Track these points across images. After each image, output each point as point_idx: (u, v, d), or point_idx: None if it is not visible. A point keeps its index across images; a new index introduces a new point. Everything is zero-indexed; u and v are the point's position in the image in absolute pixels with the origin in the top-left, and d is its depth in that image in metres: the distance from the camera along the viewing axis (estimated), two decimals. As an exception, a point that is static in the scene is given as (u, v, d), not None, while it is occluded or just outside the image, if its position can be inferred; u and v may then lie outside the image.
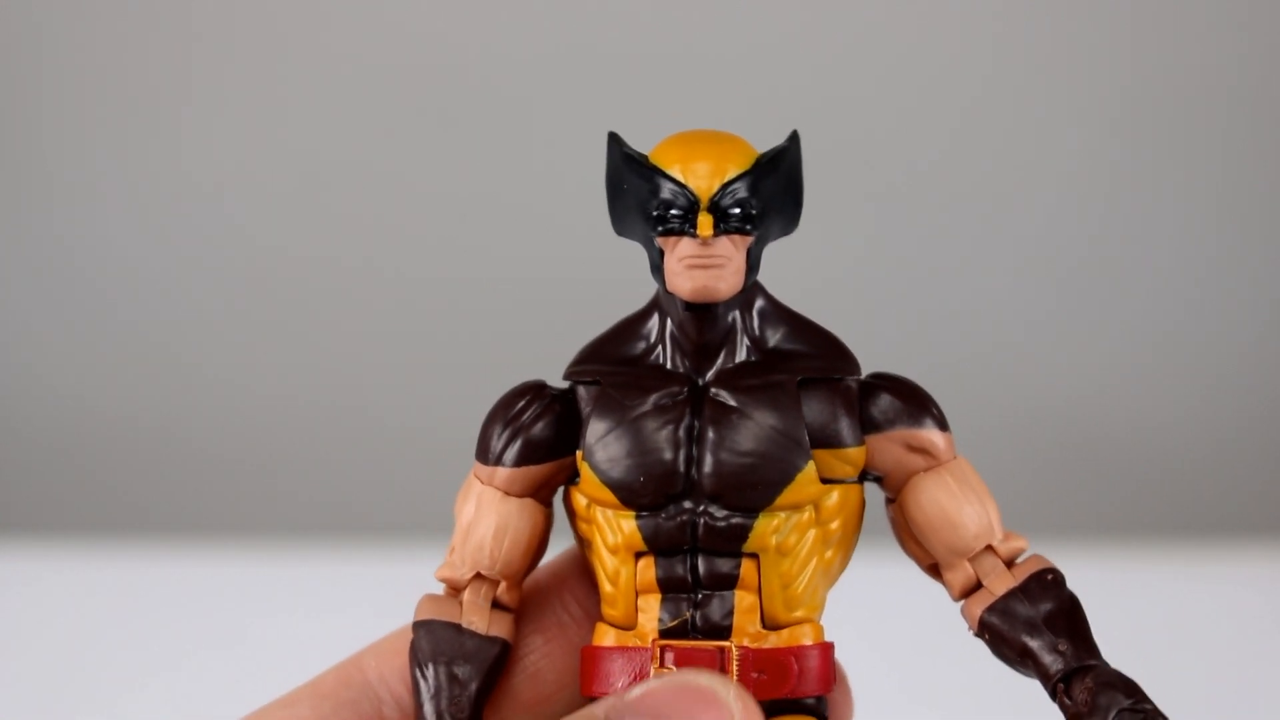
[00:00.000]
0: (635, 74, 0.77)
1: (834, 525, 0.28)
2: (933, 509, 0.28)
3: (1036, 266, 0.79)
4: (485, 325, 0.81)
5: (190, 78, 0.79)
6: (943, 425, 0.29)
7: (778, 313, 0.29)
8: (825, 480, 0.28)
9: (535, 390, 0.30)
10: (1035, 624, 0.27)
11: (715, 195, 0.28)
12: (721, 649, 0.27)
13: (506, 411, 0.29)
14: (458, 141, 0.79)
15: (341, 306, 0.82)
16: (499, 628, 0.29)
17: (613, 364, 0.29)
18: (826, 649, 0.28)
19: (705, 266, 0.28)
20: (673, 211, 0.28)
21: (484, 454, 0.29)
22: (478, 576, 0.29)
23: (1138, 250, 0.79)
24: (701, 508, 0.28)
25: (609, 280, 0.80)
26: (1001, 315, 0.78)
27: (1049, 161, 0.78)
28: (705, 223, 0.28)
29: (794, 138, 0.29)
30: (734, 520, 0.28)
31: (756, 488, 0.27)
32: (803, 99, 0.76)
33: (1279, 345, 0.80)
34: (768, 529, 0.28)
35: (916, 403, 0.29)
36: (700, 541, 0.28)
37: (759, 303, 0.29)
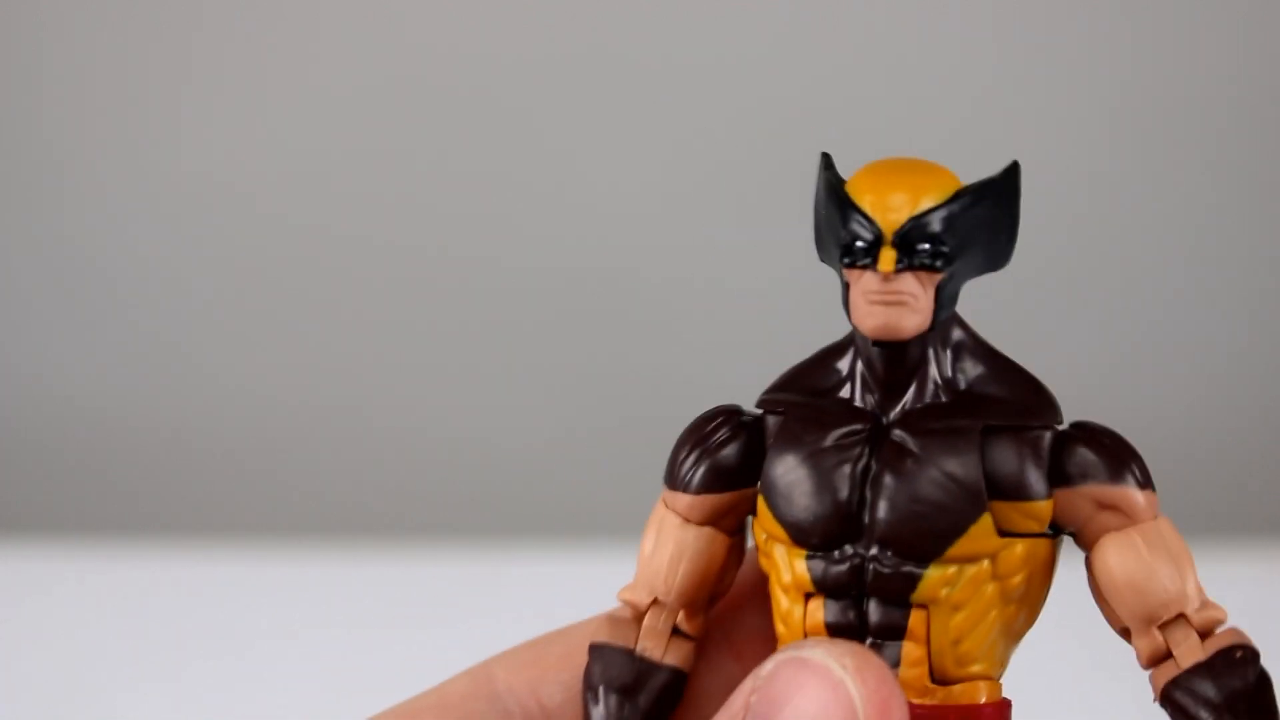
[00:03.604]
0: (637, 76, 0.78)
1: (1016, 580, 0.27)
2: (1120, 573, 0.26)
3: (1035, 267, 0.79)
4: (487, 327, 0.81)
5: (194, 70, 0.79)
6: (1143, 483, 0.27)
7: (976, 351, 0.28)
8: (1006, 533, 0.26)
9: (727, 415, 0.28)
10: (1216, 704, 0.26)
11: (902, 229, 0.26)
12: None
13: (696, 435, 0.28)
14: (461, 143, 0.79)
15: (344, 307, 0.82)
16: (675, 656, 0.28)
17: (803, 395, 0.28)
18: (1000, 709, 0.27)
19: (888, 303, 0.26)
20: (858, 244, 0.26)
21: (671, 478, 0.28)
22: (656, 602, 0.28)
23: (1136, 251, 0.79)
24: (872, 553, 0.26)
25: (611, 281, 0.80)
26: (999, 316, 0.78)
27: (1046, 162, 0.78)
28: (888, 258, 0.26)
29: (1012, 169, 0.27)
30: (904, 568, 0.26)
31: (927, 537, 0.26)
32: (799, 102, 0.76)
33: (1278, 345, 0.80)
34: (939, 580, 0.26)
35: (1114, 457, 0.27)
36: (869, 588, 0.26)
37: (956, 338, 0.27)
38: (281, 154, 0.80)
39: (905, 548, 0.26)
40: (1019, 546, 0.27)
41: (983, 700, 0.27)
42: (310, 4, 0.78)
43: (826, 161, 0.27)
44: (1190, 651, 0.26)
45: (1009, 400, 0.27)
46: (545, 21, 0.77)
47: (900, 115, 0.76)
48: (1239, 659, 0.26)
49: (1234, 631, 0.27)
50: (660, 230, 0.79)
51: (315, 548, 0.69)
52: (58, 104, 0.80)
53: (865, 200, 0.26)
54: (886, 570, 0.26)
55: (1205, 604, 0.27)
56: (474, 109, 0.78)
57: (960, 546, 0.26)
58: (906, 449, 0.26)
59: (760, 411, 0.28)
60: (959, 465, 0.26)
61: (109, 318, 0.83)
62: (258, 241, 0.81)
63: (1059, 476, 0.27)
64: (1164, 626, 0.26)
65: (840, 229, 0.26)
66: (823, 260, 0.28)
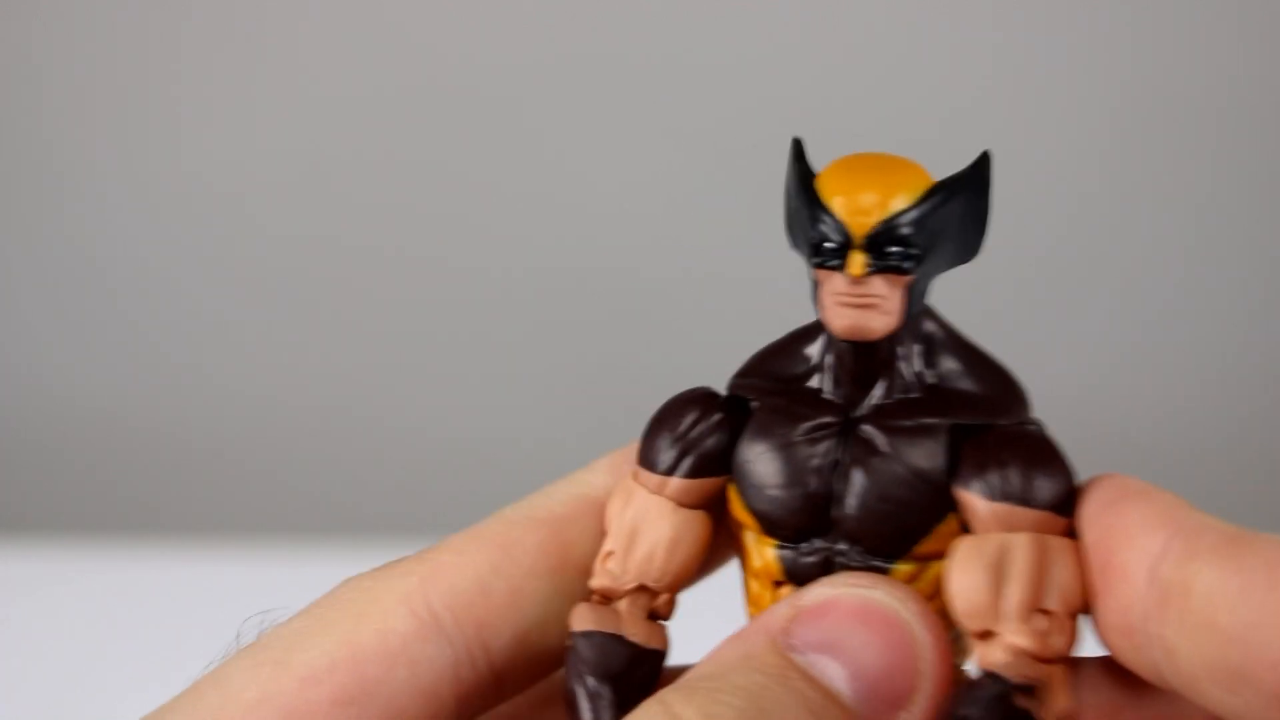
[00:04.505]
0: (635, 76, 0.78)
1: None
2: (945, 573, 0.26)
3: (1033, 264, 0.79)
4: (487, 328, 0.81)
5: (194, 70, 0.79)
6: (997, 496, 0.25)
7: (948, 344, 0.27)
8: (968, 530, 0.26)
9: (707, 399, 0.28)
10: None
11: (873, 232, 0.26)
12: None
13: (679, 420, 0.28)
14: (459, 145, 0.79)
15: (343, 307, 0.82)
16: (657, 640, 0.27)
17: (772, 381, 0.28)
18: None
19: (857, 306, 0.26)
20: (827, 245, 0.26)
21: (653, 463, 0.28)
22: (638, 588, 0.28)
23: (1135, 249, 0.79)
24: (840, 546, 0.26)
25: (612, 281, 0.80)
26: (995, 315, 0.78)
27: (1045, 161, 0.78)
28: (856, 262, 0.26)
29: (982, 161, 0.26)
30: (871, 564, 0.26)
31: (894, 535, 0.26)
32: (799, 102, 0.76)
33: (1275, 346, 0.80)
34: (905, 576, 0.26)
35: (978, 463, 0.26)
36: None
37: (927, 330, 0.27)
38: (281, 156, 0.80)
39: (873, 544, 0.26)
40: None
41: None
42: (309, 8, 0.78)
43: (798, 151, 0.27)
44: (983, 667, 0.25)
45: (979, 396, 0.27)
46: (543, 23, 0.77)
47: (900, 114, 0.76)
48: (979, 683, 0.24)
49: (1017, 662, 0.24)
50: (660, 230, 0.79)
51: (315, 548, 0.70)
52: (59, 105, 0.80)
53: (835, 201, 0.26)
54: (855, 565, 0.26)
55: (1021, 630, 0.25)
56: (472, 111, 0.78)
57: (927, 545, 0.26)
58: (875, 446, 0.26)
59: (733, 395, 0.28)
60: (926, 463, 0.26)
61: (109, 318, 0.83)
62: (258, 242, 0.81)
63: (952, 474, 0.26)
64: (985, 640, 0.25)
65: (809, 228, 0.26)
66: (792, 247, 0.28)
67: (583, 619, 0.27)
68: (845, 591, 0.25)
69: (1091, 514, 0.25)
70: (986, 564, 0.25)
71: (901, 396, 0.27)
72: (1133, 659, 0.24)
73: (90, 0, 0.78)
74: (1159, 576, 0.23)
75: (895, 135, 0.78)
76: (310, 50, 0.78)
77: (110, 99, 0.79)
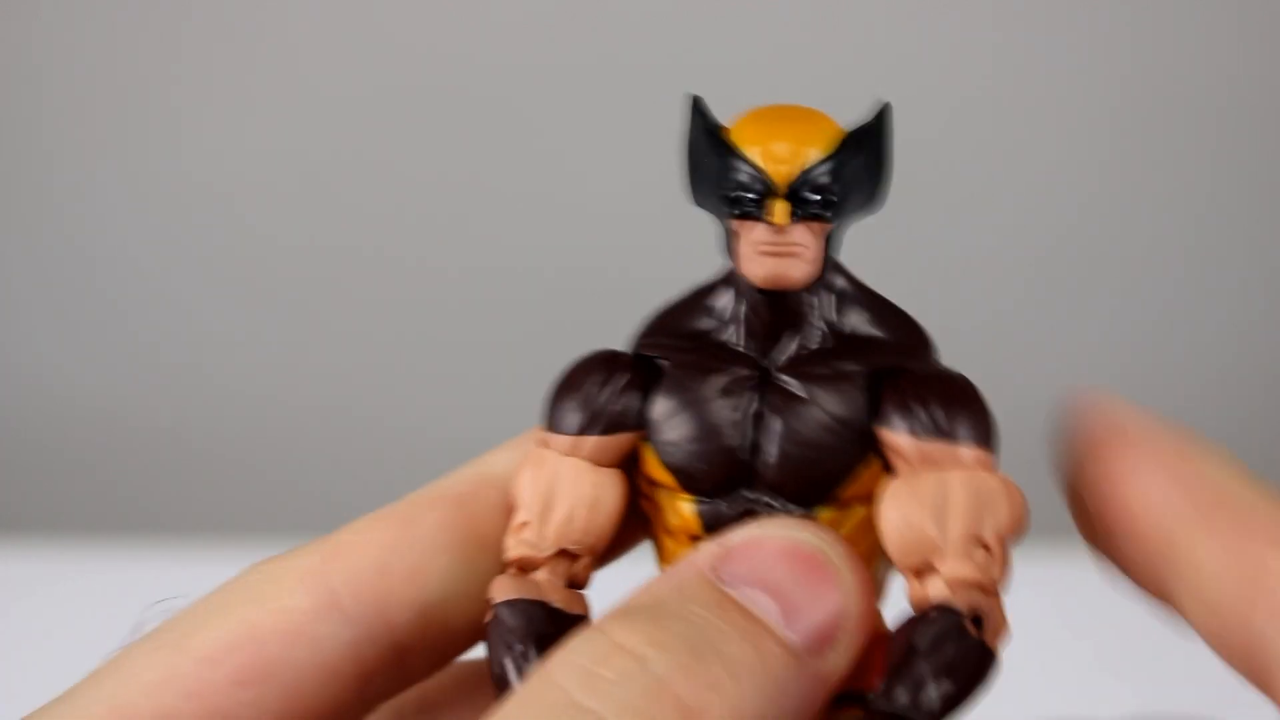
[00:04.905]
0: (634, 76, 0.78)
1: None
2: (878, 512, 0.26)
3: (1033, 264, 0.79)
4: (488, 328, 0.81)
5: (193, 72, 0.79)
6: (921, 432, 0.26)
7: (857, 295, 0.28)
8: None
9: (613, 359, 0.28)
10: (894, 653, 0.25)
11: (793, 181, 0.26)
12: None
13: (586, 382, 0.28)
14: (457, 145, 0.79)
15: (343, 306, 0.82)
16: (579, 606, 0.27)
17: (680, 339, 0.28)
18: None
19: (779, 254, 0.26)
20: (747, 195, 0.26)
21: (561, 425, 0.28)
22: (558, 554, 0.27)
23: (1135, 249, 0.79)
24: (762, 497, 0.26)
25: (613, 283, 0.80)
26: (996, 315, 0.78)
27: (1042, 160, 0.78)
28: (781, 210, 0.26)
29: (884, 111, 0.27)
30: (792, 511, 0.26)
31: (816, 481, 0.26)
32: (797, 101, 0.76)
33: (1276, 345, 0.80)
34: (828, 522, 0.26)
35: (899, 401, 0.26)
36: None
37: (837, 283, 0.28)
38: (280, 157, 0.80)
39: (795, 492, 0.26)
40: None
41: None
42: (308, 9, 0.78)
43: (698, 106, 0.28)
44: (924, 601, 0.25)
45: (890, 342, 0.27)
46: (541, 23, 0.77)
47: (900, 114, 0.76)
48: (928, 619, 0.25)
49: (963, 594, 0.25)
50: (661, 231, 0.79)
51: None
52: (59, 106, 0.80)
53: (753, 151, 0.27)
54: (777, 514, 0.26)
55: (965, 563, 0.25)
56: (472, 112, 0.78)
57: (849, 489, 0.26)
58: (793, 394, 0.26)
59: (640, 355, 0.28)
60: (845, 408, 0.26)
61: (109, 318, 0.83)
62: (256, 241, 0.81)
63: (872, 416, 0.26)
64: (921, 576, 0.25)
65: (725, 179, 0.27)
66: (696, 204, 0.28)
67: (503, 589, 0.26)
68: (773, 532, 0.25)
69: (1087, 449, 0.26)
70: (923, 500, 0.25)
71: (816, 346, 0.27)
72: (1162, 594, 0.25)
73: (90, 0, 0.78)
74: (1167, 535, 0.24)
75: (896, 135, 0.77)
76: (308, 51, 0.78)
77: (110, 99, 0.79)
